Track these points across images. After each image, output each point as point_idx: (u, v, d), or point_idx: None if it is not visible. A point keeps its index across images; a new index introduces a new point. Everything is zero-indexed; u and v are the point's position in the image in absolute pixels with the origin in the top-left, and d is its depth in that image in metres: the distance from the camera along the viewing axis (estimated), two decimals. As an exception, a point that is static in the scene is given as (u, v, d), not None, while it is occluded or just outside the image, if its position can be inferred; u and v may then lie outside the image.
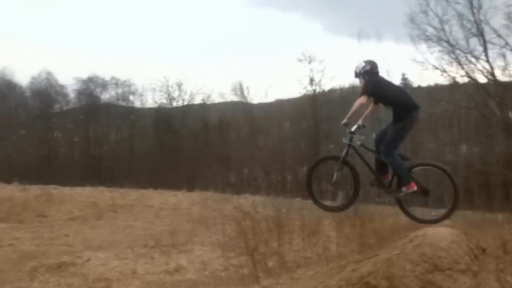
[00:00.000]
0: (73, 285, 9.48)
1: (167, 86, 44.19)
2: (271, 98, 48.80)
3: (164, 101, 45.06)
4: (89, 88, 45.59)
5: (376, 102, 5.83)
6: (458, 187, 5.67)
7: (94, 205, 18.95)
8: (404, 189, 5.71)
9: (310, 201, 6.18)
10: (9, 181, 24.93)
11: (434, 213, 5.97)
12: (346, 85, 35.74)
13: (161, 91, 44.56)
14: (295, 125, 40.75)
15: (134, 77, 55.78)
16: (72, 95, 46.43)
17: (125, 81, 45.92)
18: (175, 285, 9.46)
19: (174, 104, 44.85)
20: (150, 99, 46.99)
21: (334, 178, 5.96)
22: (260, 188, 32.16)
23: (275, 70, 61.11)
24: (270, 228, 10.37)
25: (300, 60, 37.51)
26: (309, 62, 37.25)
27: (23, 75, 53.82)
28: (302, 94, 38.89)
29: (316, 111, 37.49)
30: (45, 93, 45.38)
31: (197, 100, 44.47)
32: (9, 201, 18.64)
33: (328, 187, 6.24)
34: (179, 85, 44.05)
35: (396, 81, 27.62)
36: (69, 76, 57.58)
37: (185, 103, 44.48)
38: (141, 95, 46.28)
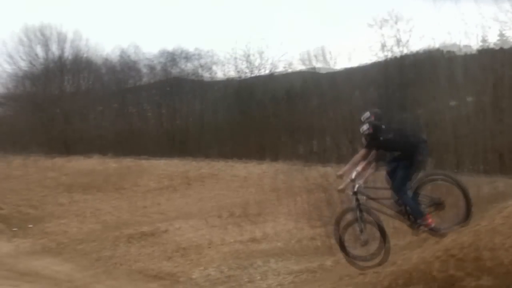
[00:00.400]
0: (153, 254, 10.10)
1: (248, 55, 44.94)
2: (354, 63, 47.78)
3: (246, 70, 45.93)
4: (174, 61, 47.49)
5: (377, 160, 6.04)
6: (471, 199, 5.69)
7: (169, 177, 19.60)
8: (420, 221, 5.87)
9: None
10: (90, 155, 26.30)
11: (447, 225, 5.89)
12: (421, 51, 34.30)
13: (242, 60, 45.47)
14: (381, 91, 39.59)
15: (216, 48, 56.59)
16: (157, 68, 48.70)
17: (207, 52, 47.25)
18: (262, 253, 9.61)
19: (256, 73, 45.49)
20: (232, 70, 47.86)
21: (359, 228, 6.08)
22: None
23: (356, 34, 59.25)
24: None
25: (370, 26, 36.60)
26: (380, 27, 36.26)
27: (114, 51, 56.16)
28: (383, 58, 37.53)
29: (403, 75, 36.20)
30: (120, 68, 47.91)
31: (279, 69, 44.91)
32: (92, 174, 19.71)
33: (360, 237, 6.16)
34: (261, 54, 44.52)
35: (475, 44, 25.91)
36: (155, 48, 59.41)
37: (267, 72, 45.09)
38: (223, 66, 47.55)
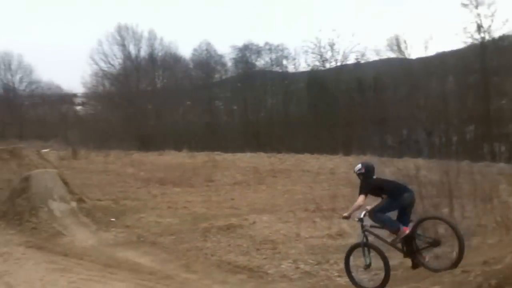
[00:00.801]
0: (242, 245, 10.05)
1: (319, 47, 44.06)
2: (431, 52, 45.49)
3: (317, 63, 45.04)
4: (245, 56, 47.60)
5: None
6: (463, 239, 5.90)
7: (255, 170, 19.97)
8: (395, 236, 6.39)
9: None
10: (179, 149, 27.58)
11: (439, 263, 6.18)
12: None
13: (313, 53, 44.64)
14: (460, 80, 37.44)
15: (287, 41, 56.33)
16: (229, 63, 49.09)
17: (278, 45, 46.93)
18: (338, 249, 9.47)
19: (327, 65, 44.62)
20: (303, 62, 47.22)
21: (365, 263, 6.49)
22: (421, 150, 30.70)
23: (434, 20, 56.42)
24: (438, 193, 9.78)
25: (464, 5, 34.14)
26: (476, 7, 33.72)
27: (187, 48, 57.97)
28: (467, 44, 35.39)
29: (486, 62, 33.89)
30: (205, 63, 48.59)
31: (351, 60, 43.75)
32: (180, 168, 20.66)
33: (366, 271, 6.58)
34: (332, 45, 43.59)
35: None
36: (226, 45, 60.37)
37: (338, 63, 44.03)
38: (294, 59, 47.00)
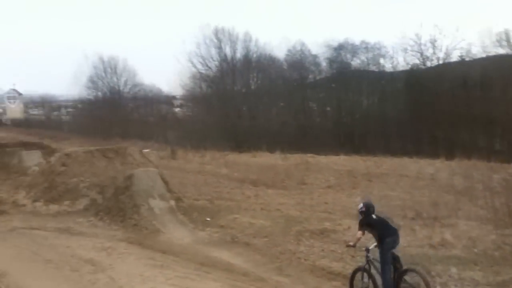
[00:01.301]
0: (336, 251, 9.91)
1: (420, 44, 42.24)
2: None
3: (417, 61, 43.24)
4: (340, 55, 46.96)
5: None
6: None
7: (349, 174, 19.61)
8: None
9: None
10: (272, 151, 27.81)
11: None
12: None
13: (412, 50, 42.92)
14: None
15: (384, 39, 54.63)
16: (324, 63, 48.71)
17: (374, 44, 45.78)
18: (441, 260, 9.04)
19: (428, 64, 42.67)
20: (402, 61, 45.40)
21: (361, 285, 7.54)
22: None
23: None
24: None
25: None
26: None
27: (281, 48, 58.37)
28: None
29: None
30: (299, 64, 48.60)
31: (454, 57, 41.46)
32: (273, 169, 20.82)
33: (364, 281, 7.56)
34: (433, 42, 41.61)
35: None
36: (321, 44, 59.94)
37: (440, 61, 41.92)
38: (392, 58, 45.52)
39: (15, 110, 71.41)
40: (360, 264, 7.80)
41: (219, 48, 47.74)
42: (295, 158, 23.77)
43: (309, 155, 24.93)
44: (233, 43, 47.85)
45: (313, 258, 9.46)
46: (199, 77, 49.20)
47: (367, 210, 7.68)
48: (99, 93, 52.75)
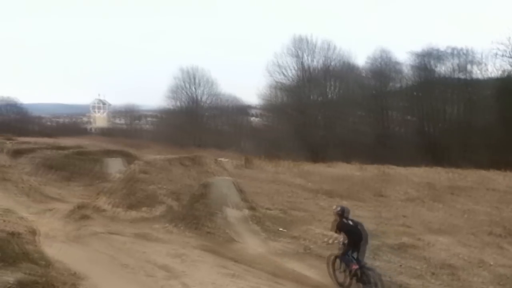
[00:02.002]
0: (415, 268, 9.58)
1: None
2: None
3: (510, 67, 40.80)
4: (424, 62, 45.40)
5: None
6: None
7: (430, 186, 18.87)
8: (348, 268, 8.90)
9: None
10: (348, 161, 27.39)
11: None
12: None
13: (504, 55, 40.57)
14: None
15: (473, 44, 52.06)
16: (406, 71, 47.34)
17: (462, 49, 43.85)
18: None
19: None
20: (491, 67, 42.98)
21: (340, 267, 9.11)
22: None
23: None
24: None
25: None
26: None
27: (361, 56, 57.41)
28: None
29: None
30: (380, 72, 47.57)
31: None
32: (349, 180, 20.44)
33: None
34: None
35: None
36: (404, 51, 58.38)
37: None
38: (481, 64, 43.31)
39: (100, 119, 75.75)
40: (337, 252, 9.21)
41: (297, 57, 47.91)
42: (373, 169, 23.20)
43: (387, 166, 24.25)
44: (311, 51, 47.83)
45: (390, 274, 9.22)
46: (276, 87, 49.59)
47: (342, 213, 9.05)
48: (179, 103, 54.63)
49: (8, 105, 66.32)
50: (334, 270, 9.19)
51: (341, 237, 8.66)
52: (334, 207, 9.47)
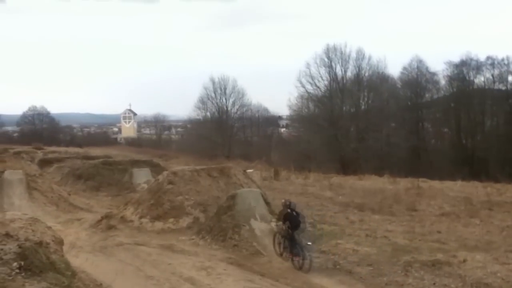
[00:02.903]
0: (449, 286, 9.36)
1: None
2: None
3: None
4: (462, 72, 44.68)
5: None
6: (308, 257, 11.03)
7: (466, 201, 18.49)
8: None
9: None
10: (380, 174, 27.10)
11: None
12: None
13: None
14: None
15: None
16: (443, 81, 46.66)
17: (502, 59, 43.00)
18: None
19: None
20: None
21: (277, 241, 11.73)
22: None
23: None
24: None
25: None
26: None
27: (396, 66, 56.71)
28: None
29: None
30: (415, 82, 47.02)
31: None
32: (381, 193, 20.19)
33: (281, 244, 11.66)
34: None
35: None
36: (440, 60, 57.57)
37: None
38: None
39: (129, 129, 77.03)
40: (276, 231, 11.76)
41: (329, 67, 47.69)
42: (405, 182, 22.88)
43: (421, 179, 23.87)
44: (344, 61, 47.55)
45: (422, 292, 8.96)
46: (307, 97, 49.52)
47: (289, 205, 11.52)
48: (208, 114, 55.14)
49: (38, 115, 68.21)
50: (275, 243, 11.71)
51: (285, 225, 11.20)
52: (283, 200, 12.04)
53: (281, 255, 11.43)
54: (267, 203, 14.04)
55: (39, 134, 62.18)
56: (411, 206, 18.00)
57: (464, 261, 10.78)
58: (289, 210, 11.37)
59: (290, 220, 11.22)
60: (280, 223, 11.50)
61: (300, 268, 10.71)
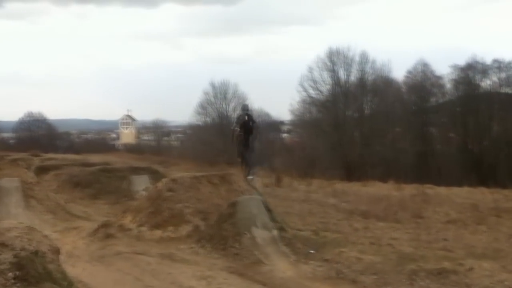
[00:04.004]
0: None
1: None
2: None
3: None
4: (467, 76, 44.70)
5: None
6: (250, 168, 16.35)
7: (473, 208, 18.52)
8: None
9: None
10: (385, 180, 27.13)
11: None
12: None
13: None
14: None
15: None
16: (448, 85, 46.67)
17: (509, 62, 43.02)
18: None
19: None
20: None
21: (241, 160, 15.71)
22: None
23: None
24: None
25: None
26: None
27: (400, 69, 56.76)
28: None
29: None
30: (420, 86, 47.03)
31: None
32: (386, 200, 20.21)
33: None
34: None
35: None
36: (446, 64, 57.61)
37: None
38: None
39: (128, 135, 77.21)
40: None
41: (332, 71, 47.73)
42: (411, 189, 22.91)
43: (427, 185, 23.95)
44: (347, 65, 47.59)
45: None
46: (310, 102, 49.56)
47: (243, 109, 13.77)
48: (208, 119, 55.21)
49: (35, 121, 68.38)
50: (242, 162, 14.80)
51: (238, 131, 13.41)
52: (243, 104, 14.78)
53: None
54: (269, 210, 14.01)
55: (36, 140, 62.25)
56: (417, 213, 18.00)
57: (471, 269, 10.71)
58: (246, 118, 13.74)
59: (245, 128, 13.80)
60: (237, 129, 14.11)
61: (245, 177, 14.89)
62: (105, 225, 15.00)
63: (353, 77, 47.51)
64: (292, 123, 55.40)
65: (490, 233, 15.24)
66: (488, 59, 44.13)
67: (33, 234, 7.19)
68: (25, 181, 19.25)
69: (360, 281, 10.29)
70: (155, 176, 23.85)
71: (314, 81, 47.94)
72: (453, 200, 20.08)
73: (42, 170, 26.15)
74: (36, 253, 6.66)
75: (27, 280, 6.12)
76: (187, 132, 65.48)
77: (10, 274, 6.01)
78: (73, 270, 9.55)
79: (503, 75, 43.45)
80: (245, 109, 14.52)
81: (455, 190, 23.18)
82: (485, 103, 43.54)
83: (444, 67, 49.36)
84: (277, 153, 52.08)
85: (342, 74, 47.35)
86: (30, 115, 68.29)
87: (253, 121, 13.97)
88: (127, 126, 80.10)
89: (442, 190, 22.86)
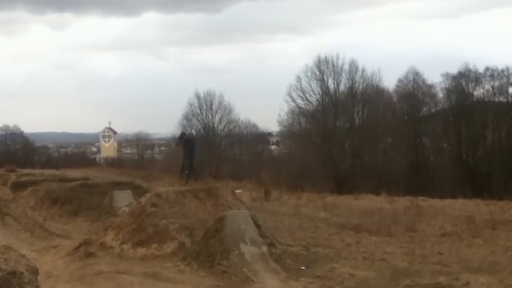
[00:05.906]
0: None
1: None
2: None
3: None
4: (460, 85, 45.22)
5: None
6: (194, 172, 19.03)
7: (469, 220, 18.66)
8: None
9: None
10: (377, 192, 27.27)
11: None
12: None
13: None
14: None
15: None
16: (441, 94, 47.15)
17: (502, 70, 43.64)
18: None
19: None
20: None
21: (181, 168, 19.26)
22: None
23: None
24: None
25: None
26: None
27: (391, 78, 57.28)
28: None
29: None
30: (412, 95, 47.46)
31: None
32: (378, 213, 20.28)
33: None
34: None
35: None
36: (437, 73, 58.21)
37: None
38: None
39: (108, 149, 76.76)
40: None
41: (321, 80, 47.94)
42: (404, 201, 23.01)
43: (420, 197, 24.07)
44: (336, 74, 47.83)
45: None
46: (298, 112, 49.73)
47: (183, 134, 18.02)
48: (193, 131, 55.14)
49: (11, 135, 67.76)
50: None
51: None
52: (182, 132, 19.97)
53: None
54: (258, 225, 13.98)
55: (12, 155, 61.73)
56: (411, 227, 18.06)
57: (467, 284, 10.86)
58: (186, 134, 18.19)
59: (186, 143, 18.35)
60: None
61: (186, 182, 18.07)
62: (85, 243, 14.84)
63: (342, 86, 47.86)
64: (280, 134, 55.56)
65: (486, 246, 15.34)
66: (480, 67, 44.82)
67: (10, 253, 7.11)
68: (0, 198, 19.08)
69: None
70: (138, 191, 23.68)
71: (303, 91, 48.20)
72: (447, 212, 20.25)
73: (18, 186, 25.90)
74: (13, 273, 6.58)
75: (3, 303, 6.05)
76: (171, 145, 65.37)
77: (-15, 296, 5.94)
78: (52, 291, 9.46)
79: (496, 83, 44.13)
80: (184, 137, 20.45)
81: (449, 202, 23.35)
82: (478, 112, 44.08)
83: (435, 75, 49.97)
84: (265, 166, 52.12)
85: (331, 84, 47.67)
86: (5, 128, 67.69)
87: (195, 138, 19.06)
88: (108, 139, 79.65)
89: (436, 202, 23.03)
